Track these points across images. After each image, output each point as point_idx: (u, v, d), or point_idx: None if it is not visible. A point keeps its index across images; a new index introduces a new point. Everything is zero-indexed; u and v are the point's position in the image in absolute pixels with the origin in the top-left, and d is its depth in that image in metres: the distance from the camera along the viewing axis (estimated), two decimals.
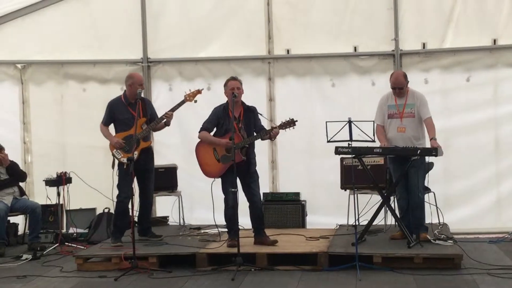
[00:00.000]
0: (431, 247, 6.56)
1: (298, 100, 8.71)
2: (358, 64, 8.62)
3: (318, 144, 7.92)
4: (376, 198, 7.21)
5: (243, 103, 6.97)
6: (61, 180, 8.06)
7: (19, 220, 8.48)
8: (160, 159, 8.38)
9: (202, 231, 7.83)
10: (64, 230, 8.27)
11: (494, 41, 8.31)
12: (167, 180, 8.34)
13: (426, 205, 7.05)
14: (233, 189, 6.55)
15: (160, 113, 7.33)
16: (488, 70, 8.33)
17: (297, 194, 8.20)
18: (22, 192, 8.14)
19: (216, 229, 7.26)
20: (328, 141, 6.62)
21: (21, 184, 8.19)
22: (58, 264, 7.01)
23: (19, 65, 9.04)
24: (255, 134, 6.93)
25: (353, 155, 6.77)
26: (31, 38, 9.01)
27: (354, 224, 6.39)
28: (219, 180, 6.93)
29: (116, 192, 7.22)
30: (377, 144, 6.83)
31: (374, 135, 6.71)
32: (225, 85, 6.98)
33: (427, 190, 7.21)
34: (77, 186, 8.20)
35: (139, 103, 7.14)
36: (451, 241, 6.74)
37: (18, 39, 9.00)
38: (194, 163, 7.11)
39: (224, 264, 6.43)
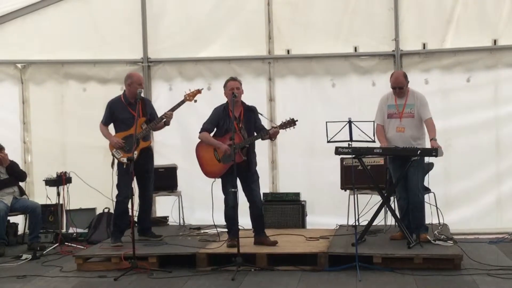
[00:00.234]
0: (431, 247, 6.55)
1: (299, 100, 8.72)
2: (358, 64, 8.62)
3: (318, 144, 7.92)
4: (376, 199, 7.21)
5: (243, 103, 6.97)
6: (61, 180, 8.06)
7: (19, 220, 8.48)
8: (160, 159, 8.39)
9: (202, 231, 7.83)
10: (64, 230, 8.28)
11: (495, 41, 8.31)
12: (167, 180, 8.34)
13: (426, 206, 7.04)
14: (233, 189, 6.55)
15: (160, 113, 7.33)
16: (489, 70, 8.34)
17: (297, 194, 8.20)
18: (22, 192, 8.13)
19: (216, 229, 7.25)
20: (328, 141, 6.62)
21: (21, 184, 8.19)
22: (58, 264, 7.01)
23: (19, 65, 9.04)
24: (255, 134, 6.93)
25: (353, 155, 6.77)
26: (31, 37, 9.01)
27: (354, 224, 6.39)
28: (219, 180, 6.93)
29: (116, 192, 7.21)
30: (377, 144, 6.83)
31: (374, 135, 6.71)
32: (225, 85, 6.98)
33: (427, 190, 7.20)
34: (77, 186, 8.20)
35: (139, 102, 7.14)
36: (451, 242, 6.74)
37: (18, 38, 9.00)
38: (194, 163, 7.11)
39: (224, 264, 6.43)
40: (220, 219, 7.05)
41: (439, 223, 7.40)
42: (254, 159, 6.99)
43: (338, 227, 7.89)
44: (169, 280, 6.20)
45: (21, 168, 8.35)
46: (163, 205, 8.77)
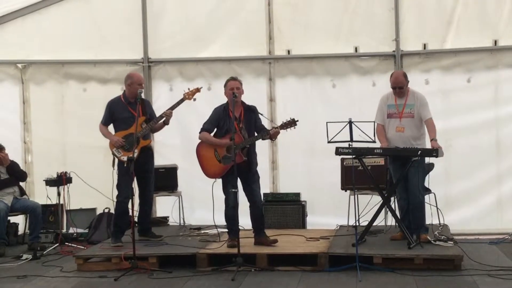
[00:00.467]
0: (432, 248, 6.55)
1: (299, 100, 8.72)
2: (358, 64, 8.62)
3: (319, 145, 7.92)
4: (377, 199, 7.21)
5: (243, 103, 6.96)
6: (61, 180, 8.06)
7: (19, 220, 8.47)
8: (160, 159, 8.39)
9: (202, 231, 7.83)
10: (64, 230, 8.28)
11: (495, 42, 8.31)
12: (167, 180, 8.35)
13: (427, 206, 7.04)
14: (233, 190, 6.55)
15: (160, 113, 7.31)
16: (489, 71, 8.34)
17: (298, 194, 8.19)
18: (22, 192, 8.13)
19: (216, 229, 7.26)
20: (329, 142, 6.61)
21: (21, 184, 8.18)
22: (58, 264, 7.01)
23: (19, 65, 9.04)
24: (255, 134, 6.92)
25: (353, 156, 6.77)
26: (31, 37, 9.01)
27: (354, 224, 6.39)
28: (219, 181, 6.93)
29: (116, 192, 7.21)
30: (377, 144, 6.83)
31: (374, 135, 6.71)
32: (225, 85, 6.98)
33: (428, 191, 7.20)
34: (77, 186, 8.21)
35: (139, 102, 7.12)
36: (452, 242, 6.74)
37: (18, 38, 9.01)
38: (195, 163, 7.10)
39: (224, 264, 6.42)
40: (221, 219, 7.05)
41: (440, 223, 7.40)
42: (255, 159, 6.99)
43: (338, 227, 7.89)
44: (169, 280, 6.20)
45: (21, 168, 8.35)
46: (163, 205, 8.77)
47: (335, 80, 8.67)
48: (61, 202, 8.08)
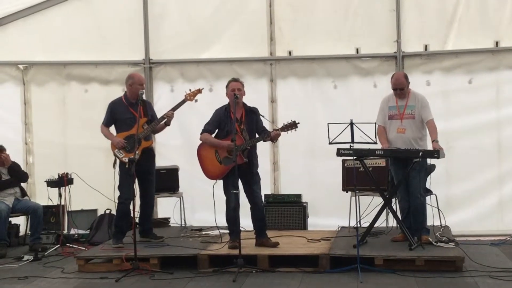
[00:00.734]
0: (433, 249, 6.55)
1: (300, 101, 8.72)
2: (360, 65, 8.62)
3: (320, 146, 7.92)
4: (378, 200, 7.20)
5: (244, 104, 6.96)
6: (62, 181, 8.05)
7: (20, 221, 8.48)
8: (161, 160, 8.39)
9: (204, 232, 7.82)
10: (65, 231, 8.27)
11: (496, 43, 8.30)
12: (168, 181, 8.34)
13: (428, 207, 7.04)
14: (234, 191, 6.56)
15: (161, 114, 7.31)
16: (490, 72, 8.33)
17: (299, 195, 8.19)
18: (23, 193, 8.14)
19: (217, 230, 7.26)
20: (330, 143, 6.60)
21: (22, 185, 8.19)
22: (59, 265, 7.01)
23: (21, 66, 9.05)
24: (257, 135, 6.92)
25: (354, 157, 6.77)
26: (33, 39, 9.02)
27: (355, 226, 6.38)
28: (220, 182, 6.93)
29: (117, 193, 7.21)
30: (378, 146, 6.83)
31: (375, 136, 6.71)
32: (227, 86, 6.98)
33: (429, 192, 7.20)
34: (78, 187, 8.20)
35: (140, 104, 7.13)
36: (453, 244, 6.74)
37: (20, 39, 9.02)
38: (196, 164, 7.10)
39: (225, 265, 6.42)
40: (222, 221, 7.06)
41: (441, 225, 7.38)
42: (256, 161, 6.99)
43: (339, 228, 7.89)
44: (170, 281, 6.20)
45: (22, 169, 8.35)
46: (164, 207, 8.77)
47: (336, 81, 8.66)
48: (62, 203, 8.07)
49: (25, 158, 9.01)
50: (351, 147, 6.59)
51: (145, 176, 7.33)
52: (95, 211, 8.70)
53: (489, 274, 6.06)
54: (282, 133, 6.84)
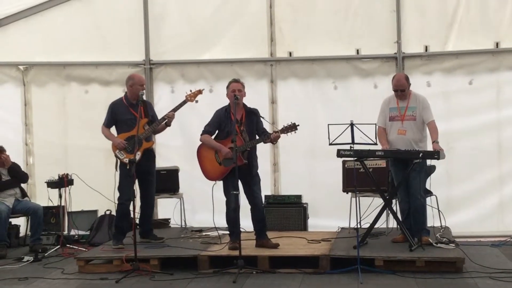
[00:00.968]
0: (433, 250, 6.55)
1: (300, 102, 8.72)
2: (360, 66, 8.62)
3: (320, 147, 7.91)
4: (378, 201, 7.20)
5: (244, 105, 6.96)
6: (62, 182, 8.05)
7: (20, 221, 8.47)
8: (162, 161, 8.40)
9: (204, 233, 7.82)
10: (65, 232, 8.26)
11: (497, 44, 8.30)
12: (168, 182, 8.33)
13: (428, 208, 7.04)
14: (235, 192, 6.55)
15: (161, 115, 7.32)
16: (491, 73, 8.33)
17: (299, 196, 8.18)
18: (23, 194, 8.14)
19: (216, 232, 7.26)
20: (330, 144, 6.60)
21: (22, 185, 8.19)
22: (59, 266, 7.01)
23: (21, 67, 9.06)
24: (257, 136, 6.92)
25: (355, 158, 6.77)
26: (33, 39, 9.03)
27: (356, 227, 6.38)
28: (220, 183, 6.93)
29: (117, 194, 7.21)
30: (379, 147, 6.83)
31: (376, 137, 6.71)
32: (227, 87, 6.98)
33: (429, 193, 7.19)
34: (78, 188, 8.20)
35: (141, 104, 7.12)
36: (453, 245, 6.73)
37: (20, 40, 9.03)
38: (196, 165, 7.10)
39: (225, 266, 6.42)
40: (222, 222, 7.06)
41: (441, 225, 7.38)
42: (256, 162, 6.99)
43: (339, 229, 7.88)
44: (170, 282, 6.20)
45: (23, 170, 8.35)
46: (164, 207, 8.76)
47: (336, 82, 8.66)
48: (63, 204, 8.07)
49: (25, 159, 9.01)
50: (351, 148, 6.60)
51: (145, 177, 7.33)
52: (95, 212, 8.70)
53: (489, 275, 6.06)
54: (282, 135, 6.84)
